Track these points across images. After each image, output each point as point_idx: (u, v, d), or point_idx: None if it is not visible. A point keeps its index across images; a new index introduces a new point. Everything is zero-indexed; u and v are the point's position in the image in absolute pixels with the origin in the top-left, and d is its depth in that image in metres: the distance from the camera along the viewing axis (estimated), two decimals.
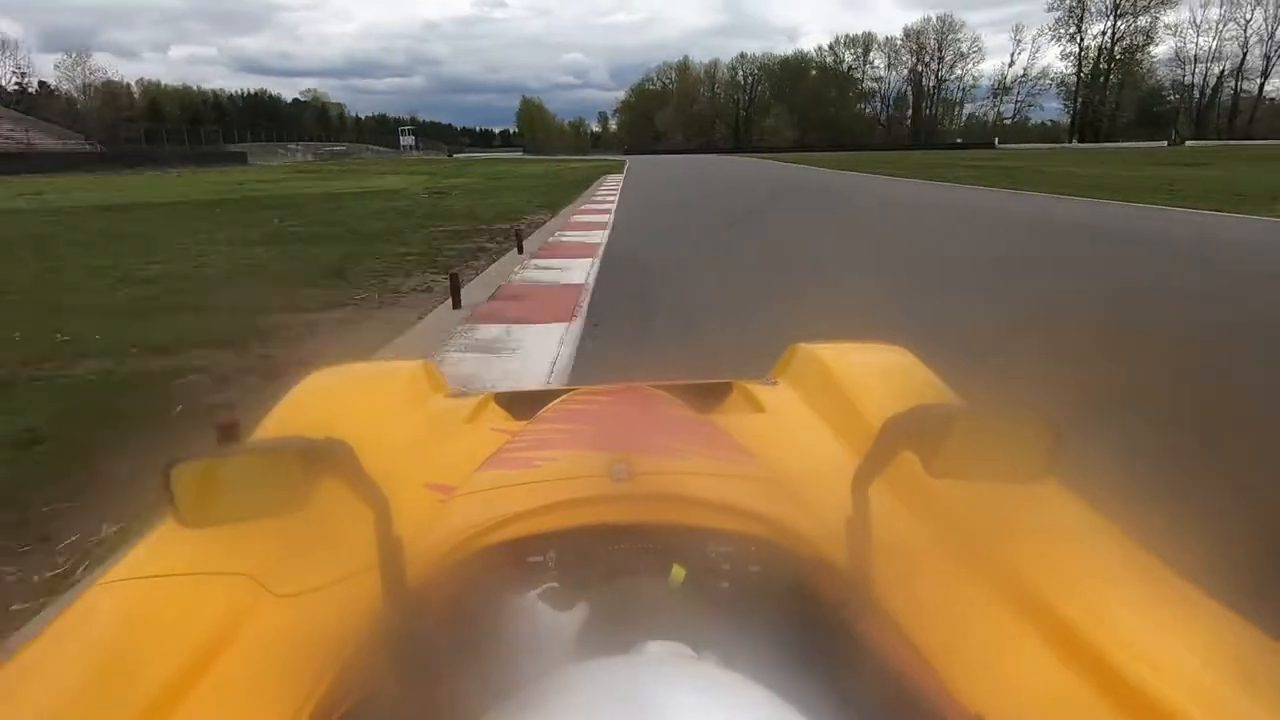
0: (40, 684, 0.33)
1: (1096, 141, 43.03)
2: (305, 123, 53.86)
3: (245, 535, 0.38)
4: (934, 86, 54.31)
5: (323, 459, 0.34)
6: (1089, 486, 0.42)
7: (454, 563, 0.39)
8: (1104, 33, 45.02)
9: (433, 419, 0.68)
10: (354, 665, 0.35)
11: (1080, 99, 48.12)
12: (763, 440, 0.56)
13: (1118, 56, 45.22)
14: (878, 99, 58.09)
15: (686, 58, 69.06)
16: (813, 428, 0.63)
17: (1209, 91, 44.38)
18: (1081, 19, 45.95)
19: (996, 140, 46.48)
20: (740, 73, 62.91)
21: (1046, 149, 34.59)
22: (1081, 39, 46.46)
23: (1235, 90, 44.04)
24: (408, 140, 43.61)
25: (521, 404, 0.72)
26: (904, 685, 0.33)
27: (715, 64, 64.30)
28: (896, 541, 0.40)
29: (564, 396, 0.65)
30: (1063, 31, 46.98)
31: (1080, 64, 47.52)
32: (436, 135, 70.33)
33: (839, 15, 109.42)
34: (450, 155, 42.68)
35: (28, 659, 0.34)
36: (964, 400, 0.56)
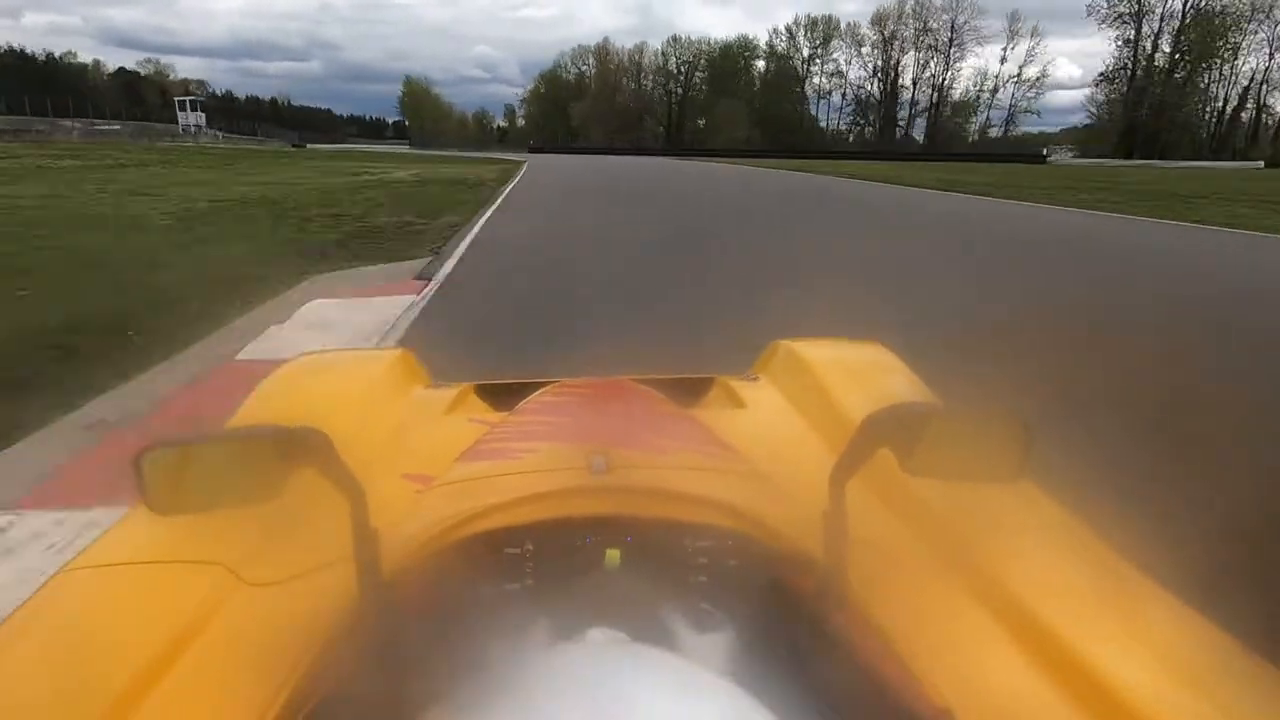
0: (4, 672, 0.40)
1: (1148, 157, 39.67)
2: (111, 97, 55.83)
3: (218, 524, 0.46)
4: (943, 83, 56.06)
5: (298, 447, 0.42)
6: (1062, 487, 0.61)
7: (430, 553, 0.48)
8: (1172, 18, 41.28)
9: (412, 409, 0.84)
10: (327, 656, 0.42)
11: (1131, 104, 44.72)
12: (742, 435, 0.74)
13: (1184, 52, 41.33)
14: (841, 94, 62.05)
15: (607, 39, 72.52)
16: (792, 424, 0.84)
17: (1230, 109, 45.32)
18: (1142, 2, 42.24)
19: (1046, 153, 45.04)
20: (673, 59, 66.44)
21: (1175, 169, 29.24)
22: (1139, 27, 43.43)
23: (1258, 106, 45.82)
24: (192, 119, 39.36)
25: (502, 395, 0.90)
26: (875, 680, 0.42)
27: (642, 48, 67.81)
28: (872, 538, 0.55)
29: (545, 389, 0.82)
30: (1117, 10, 43.37)
31: (1135, 59, 44.13)
32: (314, 123, 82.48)
33: (763, 18, 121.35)
34: (301, 145, 43.21)
35: None
36: (941, 399, 0.78)
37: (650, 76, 67.19)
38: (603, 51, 68.00)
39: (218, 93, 79.72)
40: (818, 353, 0.97)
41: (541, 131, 66.52)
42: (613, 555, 0.49)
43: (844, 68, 61.91)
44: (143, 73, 74.64)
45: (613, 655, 0.32)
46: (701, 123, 64.60)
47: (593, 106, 65.17)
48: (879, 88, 60.54)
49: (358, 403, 0.81)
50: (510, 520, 0.50)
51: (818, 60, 62.56)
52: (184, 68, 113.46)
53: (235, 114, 61.16)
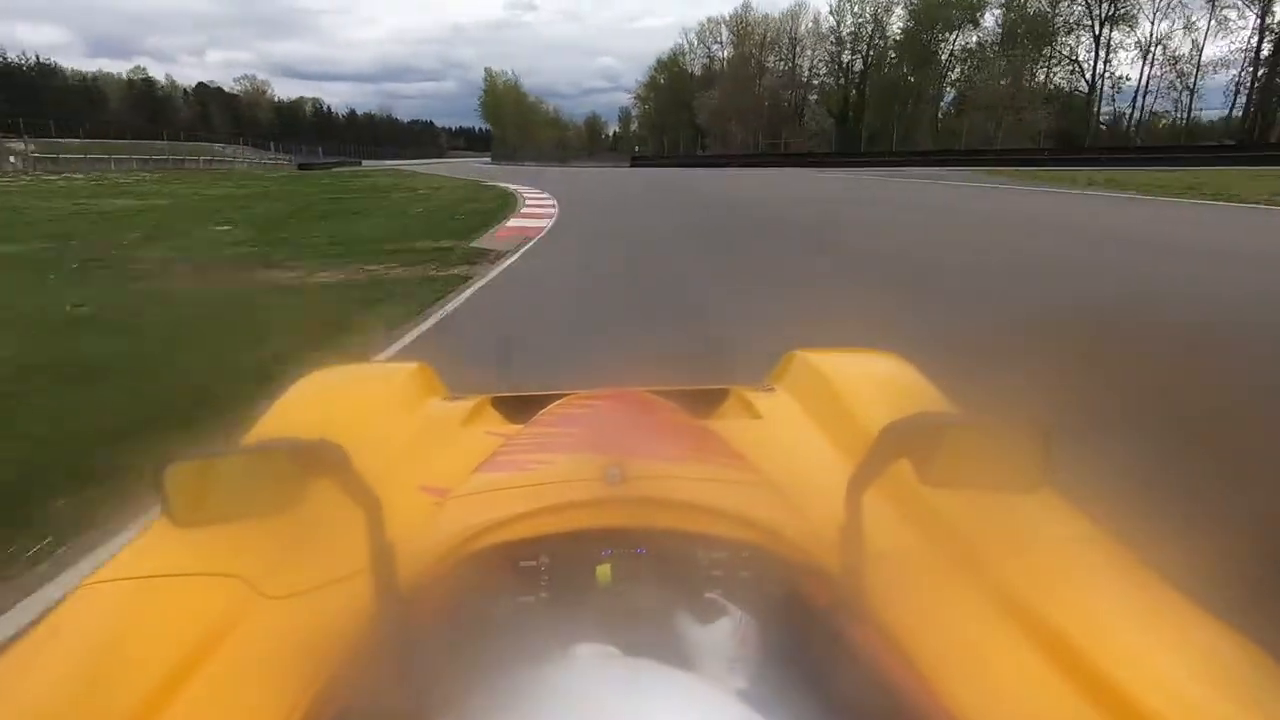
0: (29, 684, 0.56)
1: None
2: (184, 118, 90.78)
3: (237, 536, 0.66)
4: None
5: (316, 461, 0.59)
6: (1083, 498, 0.78)
7: (447, 566, 0.67)
8: None
9: (428, 422, 1.14)
10: (344, 668, 0.58)
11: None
12: (758, 446, 0.95)
13: None
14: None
15: (748, 4, 66.31)
16: (808, 434, 1.07)
17: None
18: None
19: None
20: (848, 17, 59.25)
21: None
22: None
23: None
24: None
25: (517, 408, 1.19)
26: (895, 693, 0.55)
27: (798, 11, 62.39)
28: (890, 549, 0.73)
29: (560, 401, 1.08)
30: None
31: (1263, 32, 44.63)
32: (420, 139, 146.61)
33: None
34: (310, 166, 55.54)
35: (16, 659, 0.59)
36: (959, 409, 0.98)
37: (809, 50, 62.67)
38: (740, 23, 64.23)
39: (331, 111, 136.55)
40: (834, 363, 1.22)
41: (660, 134, 68.07)
42: (627, 568, 0.68)
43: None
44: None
45: (627, 668, 0.44)
46: (898, 112, 57.62)
47: (728, 98, 62.08)
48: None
49: (374, 416, 1.11)
50: (526, 532, 0.70)
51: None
52: (336, 92, 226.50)
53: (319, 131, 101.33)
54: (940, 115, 59.36)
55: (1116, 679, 0.54)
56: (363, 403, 1.16)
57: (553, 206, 15.64)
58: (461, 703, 0.44)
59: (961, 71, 57.58)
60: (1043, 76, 54.38)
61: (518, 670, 0.48)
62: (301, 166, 53.75)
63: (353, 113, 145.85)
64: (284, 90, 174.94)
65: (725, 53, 67.46)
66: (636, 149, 64.34)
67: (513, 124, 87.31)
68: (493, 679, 0.47)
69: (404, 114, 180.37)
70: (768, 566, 0.69)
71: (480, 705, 0.40)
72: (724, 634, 0.63)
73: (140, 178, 30.52)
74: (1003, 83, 52.77)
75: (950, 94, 58.73)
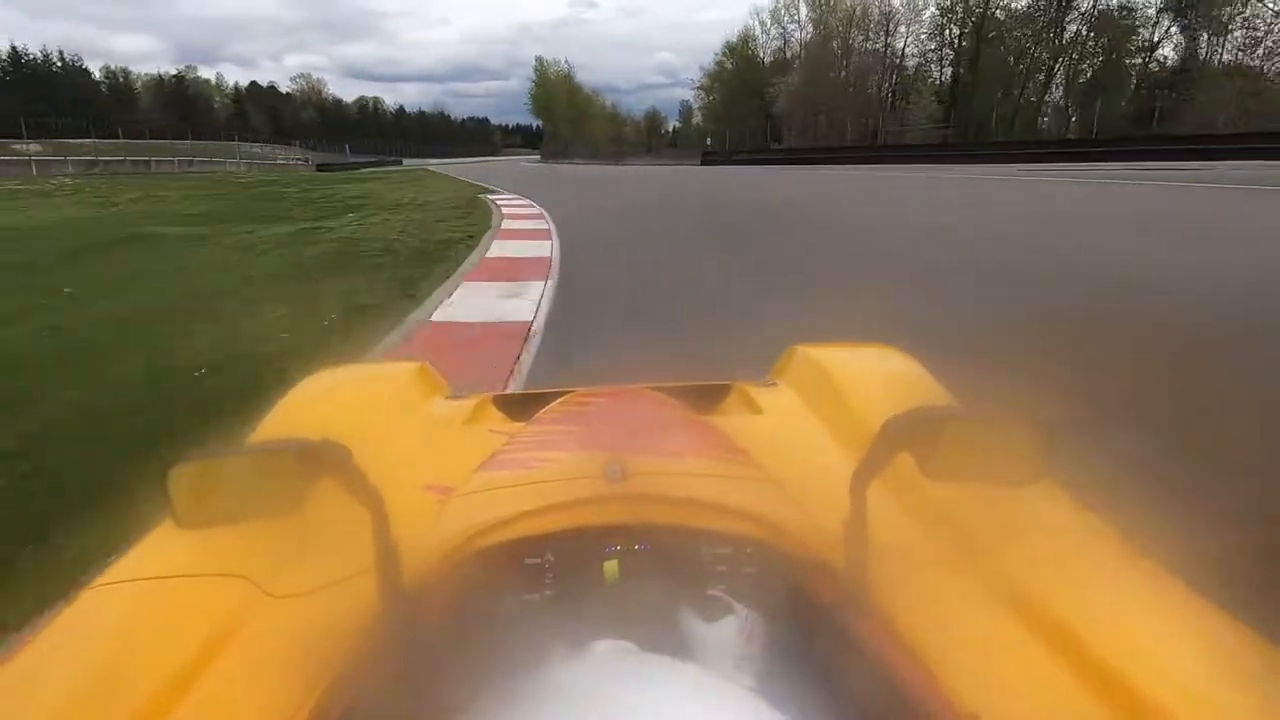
0: (36, 686, 0.61)
1: None
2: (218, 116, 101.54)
3: (242, 537, 0.75)
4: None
5: (320, 460, 0.65)
6: (1084, 488, 0.84)
7: (451, 564, 0.73)
8: None
9: (431, 421, 1.25)
10: (350, 667, 0.64)
11: None
12: (760, 442, 1.03)
13: None
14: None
15: None
16: (811, 429, 1.15)
17: None
18: None
19: None
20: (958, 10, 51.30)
21: None
22: None
23: None
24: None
25: (519, 406, 1.29)
26: (900, 687, 0.61)
27: None
28: (893, 543, 0.78)
29: (562, 398, 1.17)
30: None
31: None
32: (476, 137, 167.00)
33: None
34: (328, 167, 57.71)
35: (24, 662, 0.64)
36: (960, 402, 1.06)
37: (904, 25, 55.63)
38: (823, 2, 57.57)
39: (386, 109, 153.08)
40: (835, 357, 1.32)
41: (727, 127, 62.72)
42: (631, 564, 0.75)
43: None
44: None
45: (632, 665, 0.48)
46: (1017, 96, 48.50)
47: (808, 83, 56.35)
48: None
49: (378, 415, 1.22)
50: (530, 530, 0.77)
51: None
52: (405, 92, 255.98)
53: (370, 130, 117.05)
54: (1054, 99, 51.91)
55: (1121, 670, 0.59)
56: (365, 402, 1.28)
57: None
58: (468, 700, 0.49)
59: (1100, 41, 47.84)
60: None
61: (523, 667, 0.55)
62: (321, 167, 55.12)
63: (401, 110, 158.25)
64: (353, 91, 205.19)
65: (803, 34, 62.97)
66: (709, 142, 60.19)
67: (565, 118, 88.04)
68: (498, 676, 0.53)
69: (470, 113, 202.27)
70: (771, 562, 0.75)
71: (486, 703, 0.44)
72: (728, 630, 0.69)
73: (60, 184, 28.62)
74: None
75: (1086, 72, 49.25)
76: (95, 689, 0.61)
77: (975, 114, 51.01)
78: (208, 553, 0.79)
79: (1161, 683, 0.58)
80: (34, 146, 43.78)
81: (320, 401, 1.29)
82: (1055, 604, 0.68)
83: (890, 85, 57.96)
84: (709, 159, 46.09)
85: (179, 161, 47.99)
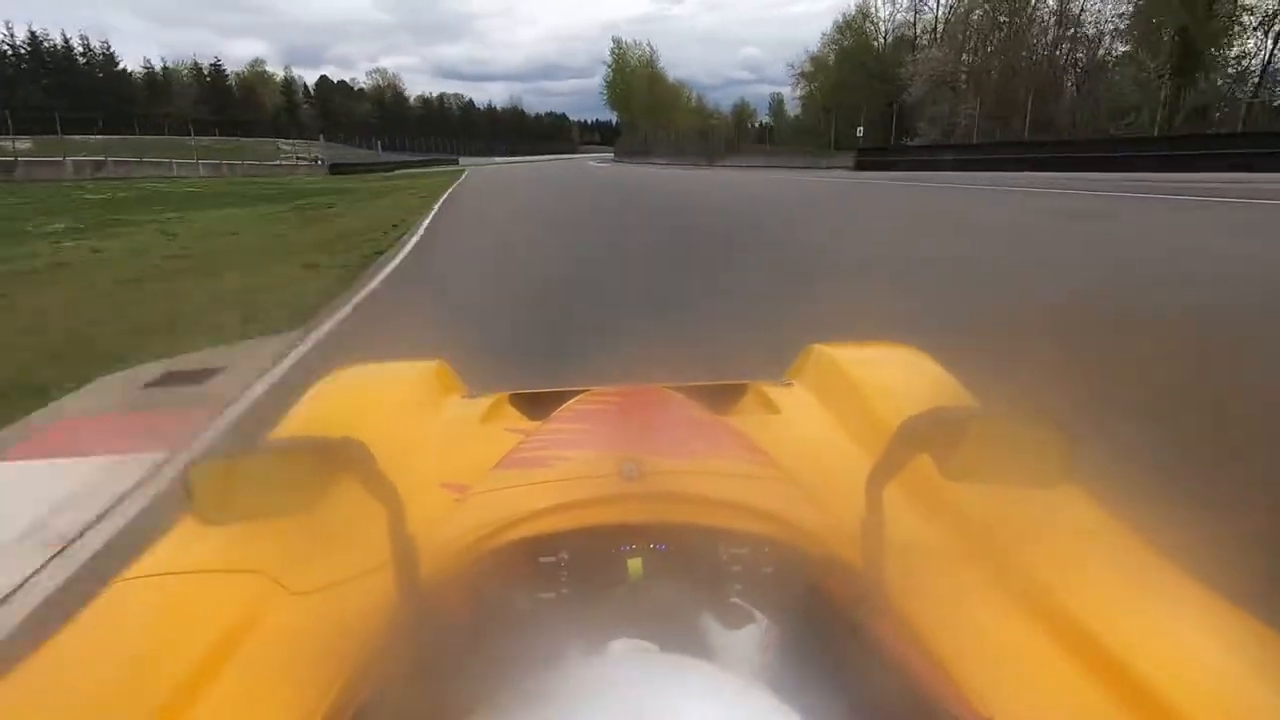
0: (64, 677, 0.70)
1: None
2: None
3: (262, 533, 0.83)
4: None
5: (339, 458, 0.74)
6: (1108, 492, 0.92)
7: (467, 561, 0.82)
8: None
9: (448, 419, 1.39)
10: (368, 662, 0.71)
11: None
12: (777, 441, 1.12)
13: None
14: None
15: None
16: (828, 429, 1.25)
17: None
18: None
19: None
20: None
21: None
22: None
23: None
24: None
25: (535, 405, 1.44)
26: (917, 688, 0.68)
27: None
28: (911, 544, 0.85)
29: (578, 397, 1.29)
30: None
31: None
32: (554, 133, 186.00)
33: None
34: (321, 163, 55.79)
35: (52, 652, 0.73)
36: (980, 403, 1.14)
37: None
38: None
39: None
40: (853, 357, 1.44)
41: (836, 119, 56.17)
42: (647, 563, 0.84)
43: None
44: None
45: (647, 663, 0.53)
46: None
47: (950, 62, 48.24)
48: None
49: (396, 413, 1.36)
50: (545, 528, 0.85)
51: None
52: (491, 91, 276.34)
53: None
54: None
55: (1140, 675, 0.65)
56: (383, 401, 1.42)
57: None
58: (481, 696, 0.54)
59: None
60: None
61: (537, 665, 0.62)
62: (335, 169, 51.49)
63: (470, 104, 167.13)
64: (439, 90, 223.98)
65: (939, 8, 55.31)
66: (860, 134, 47.88)
67: (644, 109, 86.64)
68: (512, 673, 0.60)
69: (552, 110, 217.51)
70: (788, 561, 0.83)
71: (500, 699, 0.49)
72: (745, 629, 0.76)
73: None
74: None
75: None
76: (121, 680, 0.70)
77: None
78: (228, 548, 0.89)
79: (1182, 688, 0.63)
80: (24, 144, 41.76)
81: (339, 400, 1.44)
82: (1074, 607, 0.74)
83: (1074, 60, 46.29)
84: (868, 161, 35.26)
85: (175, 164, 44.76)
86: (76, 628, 0.78)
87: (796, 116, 74.40)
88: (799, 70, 67.69)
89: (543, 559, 0.84)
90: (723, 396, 1.55)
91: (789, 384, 1.59)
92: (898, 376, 1.46)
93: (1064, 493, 0.88)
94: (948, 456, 0.75)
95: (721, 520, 0.85)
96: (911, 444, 0.76)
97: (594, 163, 74.18)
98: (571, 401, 1.30)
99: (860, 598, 0.78)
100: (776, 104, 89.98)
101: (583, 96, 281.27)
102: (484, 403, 1.51)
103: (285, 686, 0.70)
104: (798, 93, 69.99)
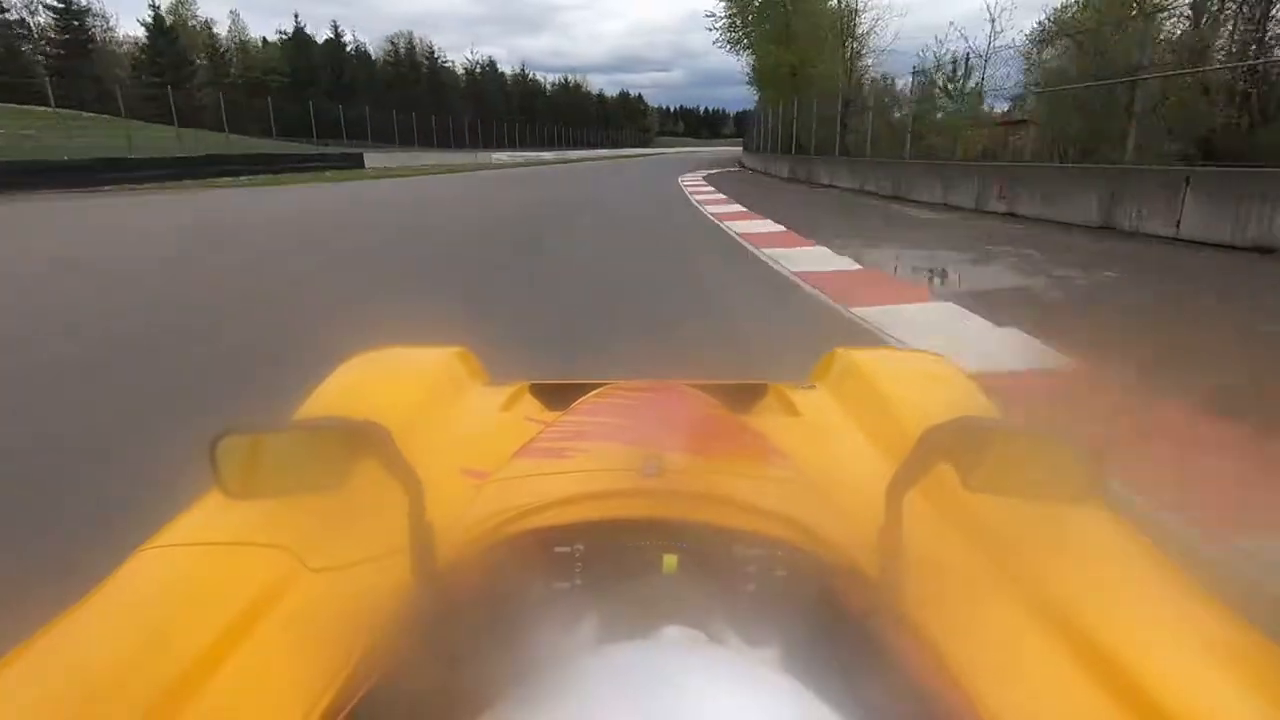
0: (85, 644, 0.73)
1: None
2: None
3: (285, 509, 0.88)
4: None
5: (362, 440, 0.76)
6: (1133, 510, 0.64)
7: (484, 547, 0.82)
8: None
9: (469, 406, 1.41)
10: (383, 641, 0.73)
11: None
12: (797, 444, 1.12)
13: None
14: None
15: None
16: (849, 434, 1.25)
17: None
18: None
19: None
20: None
21: None
22: None
23: None
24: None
25: (556, 395, 1.45)
26: (929, 700, 0.67)
27: None
28: (929, 554, 0.84)
29: (599, 390, 1.30)
30: None
31: None
32: (556, 110, 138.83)
33: None
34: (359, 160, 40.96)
35: (76, 617, 0.76)
36: (1005, 414, 1.11)
37: None
38: None
39: None
40: (877, 362, 1.45)
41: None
42: (663, 559, 0.84)
43: None
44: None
45: (657, 658, 0.52)
46: None
47: None
48: None
49: (418, 398, 1.38)
50: (562, 518, 0.85)
51: None
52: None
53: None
54: None
55: (1158, 696, 0.64)
56: (406, 385, 1.45)
57: None
58: (492, 680, 0.56)
59: None
60: None
61: (548, 653, 0.64)
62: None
63: (493, 70, 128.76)
64: None
65: None
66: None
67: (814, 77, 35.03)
68: (523, 659, 0.62)
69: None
70: (804, 566, 0.82)
71: (510, 685, 0.50)
72: (756, 630, 0.76)
73: None
74: None
75: None
76: (142, 649, 0.72)
77: None
78: (251, 523, 0.92)
79: (1198, 707, 0.63)
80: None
81: (363, 383, 1.48)
82: (1092, 625, 0.73)
83: None
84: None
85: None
86: (99, 596, 0.81)
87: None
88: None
89: (559, 549, 0.85)
90: (743, 396, 1.56)
91: (811, 387, 1.59)
92: (921, 384, 1.47)
93: (1087, 510, 0.88)
94: (970, 467, 0.74)
95: (738, 521, 0.84)
96: (933, 453, 0.75)
97: (698, 184, 27.47)
98: (592, 394, 1.31)
99: (875, 607, 0.78)
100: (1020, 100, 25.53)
101: (658, 90, 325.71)
102: (505, 391, 1.54)
103: (302, 661, 0.72)
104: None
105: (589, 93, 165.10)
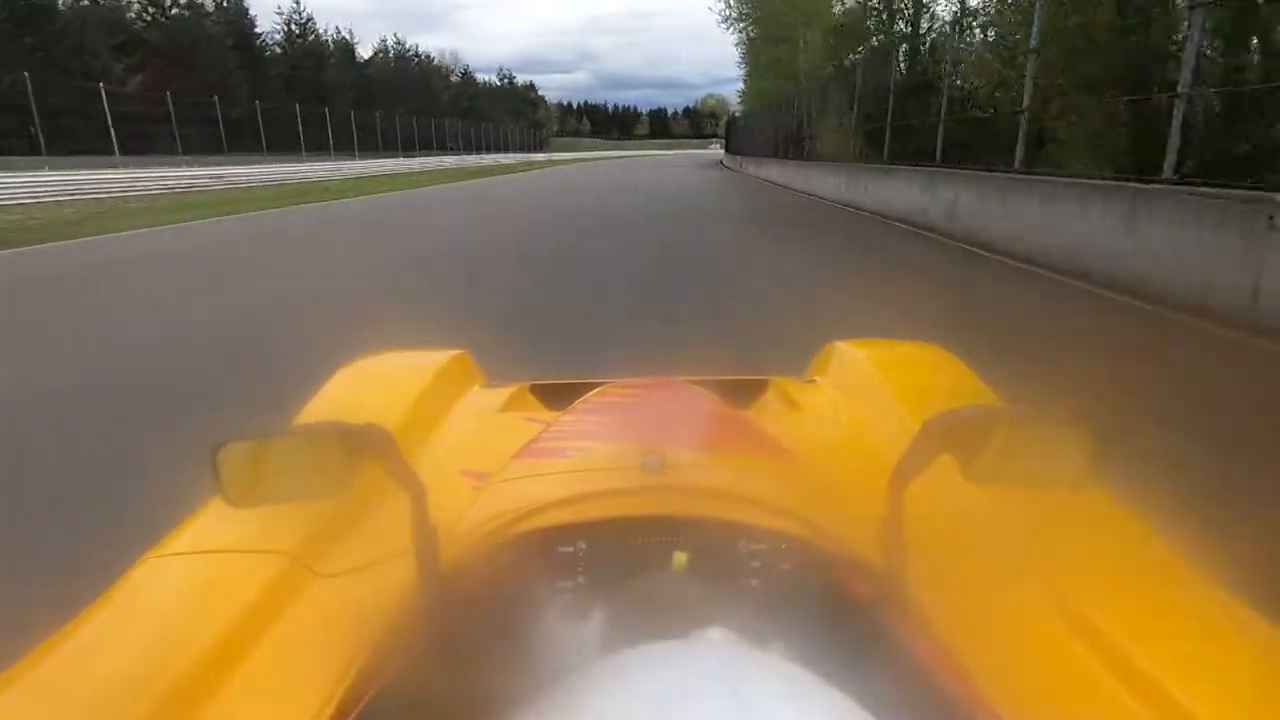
0: (91, 652, 0.74)
1: None
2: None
3: (288, 516, 0.89)
4: None
5: (363, 444, 0.76)
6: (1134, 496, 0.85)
7: (487, 549, 0.83)
8: None
9: (469, 408, 1.42)
10: (388, 645, 0.74)
11: None
12: (798, 438, 1.13)
13: None
14: None
15: None
16: (849, 427, 1.27)
17: None
18: None
19: None
20: None
21: None
22: None
23: None
24: None
25: (555, 395, 1.46)
26: (935, 689, 0.68)
27: None
28: (932, 544, 0.86)
29: (598, 389, 1.31)
30: None
31: None
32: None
33: None
34: None
35: (80, 628, 0.76)
36: (1005, 403, 1.14)
37: None
38: None
39: None
40: (877, 355, 1.47)
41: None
42: (668, 556, 0.84)
43: None
44: None
45: (664, 655, 0.50)
46: None
47: None
48: None
49: (418, 402, 1.38)
50: (565, 518, 0.86)
51: None
52: None
53: None
54: None
55: (1162, 680, 0.66)
56: (405, 389, 1.44)
57: None
58: (498, 682, 0.57)
59: None
60: None
61: (553, 653, 0.64)
62: None
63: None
64: None
65: None
66: None
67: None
68: (529, 661, 0.62)
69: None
70: (808, 559, 0.84)
71: (515, 686, 0.51)
72: (762, 625, 0.77)
73: None
74: None
75: None
76: (147, 656, 0.72)
77: None
78: (254, 530, 0.92)
79: (1202, 694, 0.64)
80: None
81: (362, 387, 1.49)
82: (1095, 612, 0.75)
83: None
84: None
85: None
86: (103, 606, 0.81)
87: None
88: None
89: (562, 548, 0.85)
90: (744, 392, 1.58)
91: (812, 380, 1.62)
92: (921, 375, 1.50)
93: (1088, 496, 0.89)
94: (971, 458, 0.75)
95: (742, 516, 0.86)
96: (934, 444, 0.76)
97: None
98: (592, 393, 1.32)
99: (880, 598, 0.79)
100: None
101: (563, 93, 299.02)
102: (504, 392, 1.55)
103: (307, 666, 0.73)
104: None
105: (442, 68, 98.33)
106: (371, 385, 1.51)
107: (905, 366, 1.53)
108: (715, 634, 0.70)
